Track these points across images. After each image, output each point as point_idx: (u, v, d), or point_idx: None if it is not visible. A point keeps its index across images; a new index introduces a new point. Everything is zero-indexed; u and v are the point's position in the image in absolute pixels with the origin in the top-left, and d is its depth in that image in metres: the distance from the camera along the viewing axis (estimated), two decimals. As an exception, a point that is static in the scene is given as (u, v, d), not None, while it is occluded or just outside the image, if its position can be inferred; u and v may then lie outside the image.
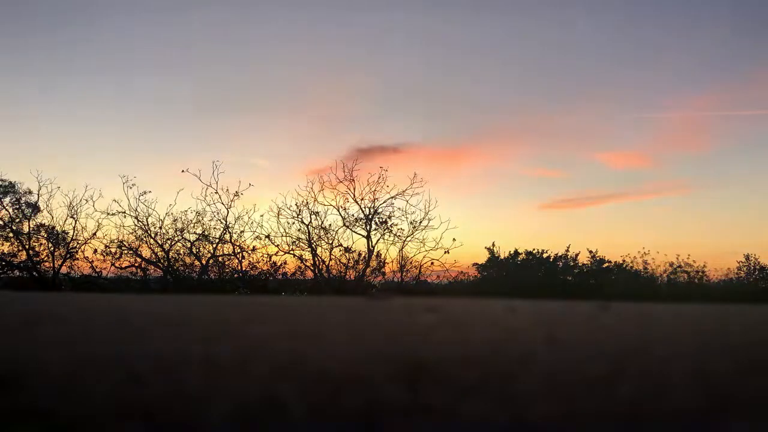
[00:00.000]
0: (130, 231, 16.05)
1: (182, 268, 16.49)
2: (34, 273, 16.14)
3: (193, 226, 16.29)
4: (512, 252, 19.27)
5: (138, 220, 15.98)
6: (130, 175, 16.17)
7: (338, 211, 16.55)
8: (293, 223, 16.42)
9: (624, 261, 18.81)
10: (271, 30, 23.17)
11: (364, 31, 23.57)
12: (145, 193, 15.93)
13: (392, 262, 16.70)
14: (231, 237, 16.37)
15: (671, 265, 18.54)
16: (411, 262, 16.69)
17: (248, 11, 22.61)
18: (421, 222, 16.38)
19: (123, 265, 16.24)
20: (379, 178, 16.45)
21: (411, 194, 16.39)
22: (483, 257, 19.41)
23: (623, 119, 25.21)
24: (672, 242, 30.36)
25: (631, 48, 24.64)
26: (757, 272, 19.02)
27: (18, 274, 16.36)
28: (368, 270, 16.59)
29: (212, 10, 22.73)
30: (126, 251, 16.10)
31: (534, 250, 19.16)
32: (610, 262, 18.96)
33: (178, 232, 16.24)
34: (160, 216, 16.31)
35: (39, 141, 23.54)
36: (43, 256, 16.35)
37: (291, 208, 16.42)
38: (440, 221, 16.31)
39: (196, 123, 25.37)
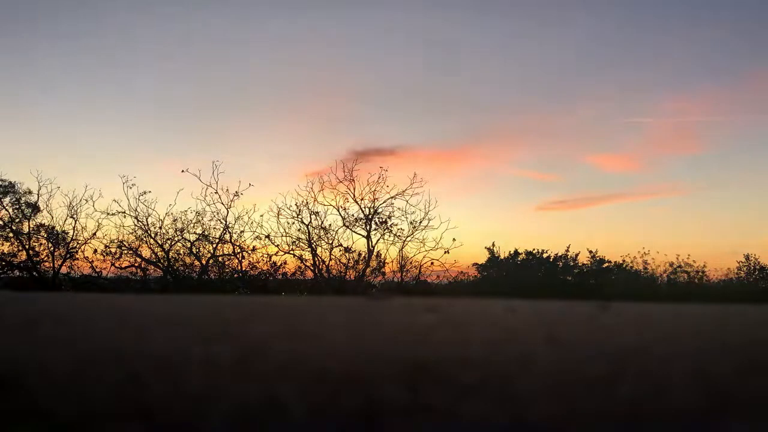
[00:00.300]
0: (130, 231, 16.06)
1: (182, 268, 16.49)
2: (34, 273, 16.14)
3: (193, 226, 16.30)
4: (512, 252, 19.29)
5: (138, 220, 15.99)
6: (130, 175, 16.19)
7: (338, 211, 16.57)
8: (293, 223, 16.44)
9: (624, 261, 18.82)
10: (271, 31, 23.18)
11: (363, 33, 23.59)
12: (145, 193, 15.95)
13: (392, 262, 16.71)
14: (231, 237, 16.38)
15: (671, 265, 18.55)
16: (411, 262, 16.70)
17: (248, 12, 22.61)
18: (421, 222, 16.40)
19: (123, 265, 16.25)
20: (379, 178, 16.47)
21: (411, 194, 16.42)
22: (483, 257, 19.43)
23: (617, 122, 25.33)
24: (670, 243, 30.44)
25: (625, 51, 24.71)
26: (757, 272, 19.03)
27: (18, 274, 16.36)
28: (368, 270, 16.59)
29: (212, 10, 22.74)
30: (126, 251, 16.10)
31: (534, 250, 19.17)
32: (610, 262, 18.96)
33: (178, 232, 16.25)
34: (160, 216, 16.32)
35: (39, 141, 23.56)
36: (43, 256, 16.35)
37: (291, 208, 16.44)
38: (440, 221, 16.33)
39: (196, 123, 25.40)
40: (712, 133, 25.41)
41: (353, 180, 16.53)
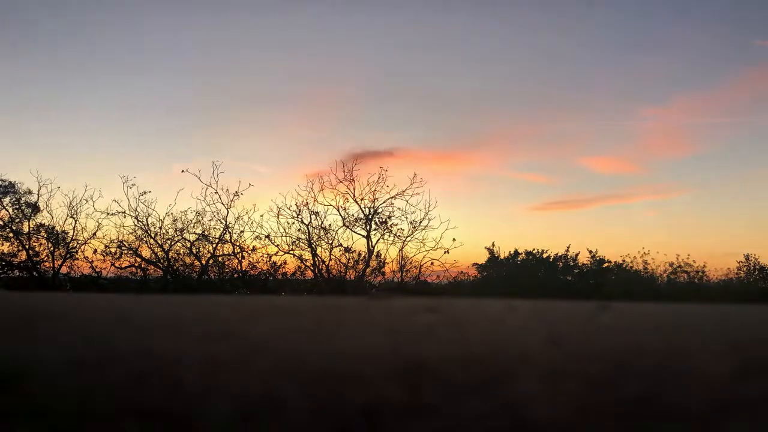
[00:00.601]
0: (130, 231, 16.07)
1: (182, 268, 16.49)
2: (34, 273, 16.14)
3: (193, 226, 16.32)
4: (512, 252, 19.28)
5: (138, 220, 16.00)
6: (130, 175, 16.23)
7: (338, 211, 16.57)
8: (293, 223, 16.44)
9: (624, 261, 18.81)
10: (272, 33, 23.18)
11: (363, 34, 23.60)
12: (145, 193, 15.96)
13: (392, 262, 16.72)
14: (231, 237, 16.39)
15: (671, 265, 18.55)
16: (411, 262, 16.70)
17: (248, 15, 22.64)
18: (420, 222, 16.40)
19: (123, 265, 16.26)
20: (379, 178, 16.48)
21: (411, 194, 16.42)
22: (482, 257, 19.42)
23: (610, 125, 25.43)
24: (669, 243, 30.48)
25: (619, 54, 24.79)
26: (757, 272, 19.03)
27: (18, 274, 16.36)
28: (368, 270, 16.59)
29: (212, 13, 22.76)
30: (126, 251, 16.11)
31: (534, 250, 19.17)
32: (610, 262, 18.96)
33: (178, 232, 16.26)
34: (160, 216, 16.34)
35: (39, 141, 23.56)
36: (43, 256, 16.36)
37: (291, 208, 16.44)
38: (440, 221, 16.33)
39: (196, 123, 25.44)
40: (704, 135, 25.56)
41: (353, 180, 16.56)
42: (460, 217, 27.15)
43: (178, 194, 16.41)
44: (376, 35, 23.98)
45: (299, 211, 16.38)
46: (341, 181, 16.56)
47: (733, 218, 25.33)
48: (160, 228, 16.16)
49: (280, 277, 16.65)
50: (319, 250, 16.56)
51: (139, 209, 15.97)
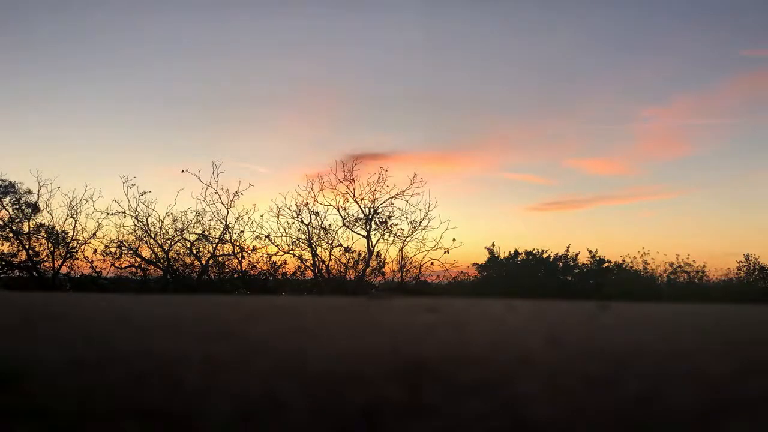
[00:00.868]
0: (130, 231, 16.07)
1: (182, 268, 16.49)
2: (34, 273, 16.14)
3: (193, 226, 16.32)
4: (512, 252, 19.28)
5: (138, 220, 16.00)
6: (130, 175, 16.23)
7: (338, 211, 16.57)
8: (293, 223, 16.44)
9: (624, 261, 18.82)
10: (272, 33, 23.19)
11: (362, 35, 23.61)
12: (145, 193, 15.96)
13: (392, 262, 16.71)
14: (231, 237, 16.38)
15: (671, 265, 18.55)
16: (411, 262, 16.70)
17: (249, 15, 22.64)
18: (420, 222, 16.40)
19: (123, 265, 16.26)
20: (379, 178, 16.47)
21: (411, 194, 16.41)
22: (482, 258, 19.42)
23: (609, 126, 25.48)
24: (668, 243, 30.52)
25: (616, 56, 24.84)
26: (757, 272, 19.03)
27: (18, 274, 16.36)
28: (368, 270, 16.59)
29: (213, 11, 22.76)
30: (126, 251, 16.10)
31: (534, 250, 19.17)
32: (610, 262, 18.96)
33: (178, 232, 16.26)
34: (160, 216, 16.35)
35: (39, 141, 23.57)
36: (43, 256, 16.36)
37: (291, 208, 16.44)
38: (440, 221, 16.33)
39: (197, 123, 25.42)
40: (704, 135, 25.60)
41: (353, 180, 16.55)
42: (459, 217, 27.26)
43: (178, 194, 16.43)
44: (376, 36, 24.00)
45: (299, 211, 16.40)
46: (341, 181, 16.58)
47: (733, 218, 25.37)
48: (160, 228, 16.18)
49: (280, 277, 16.65)
50: (319, 250, 16.58)
51: (139, 209, 15.99)
